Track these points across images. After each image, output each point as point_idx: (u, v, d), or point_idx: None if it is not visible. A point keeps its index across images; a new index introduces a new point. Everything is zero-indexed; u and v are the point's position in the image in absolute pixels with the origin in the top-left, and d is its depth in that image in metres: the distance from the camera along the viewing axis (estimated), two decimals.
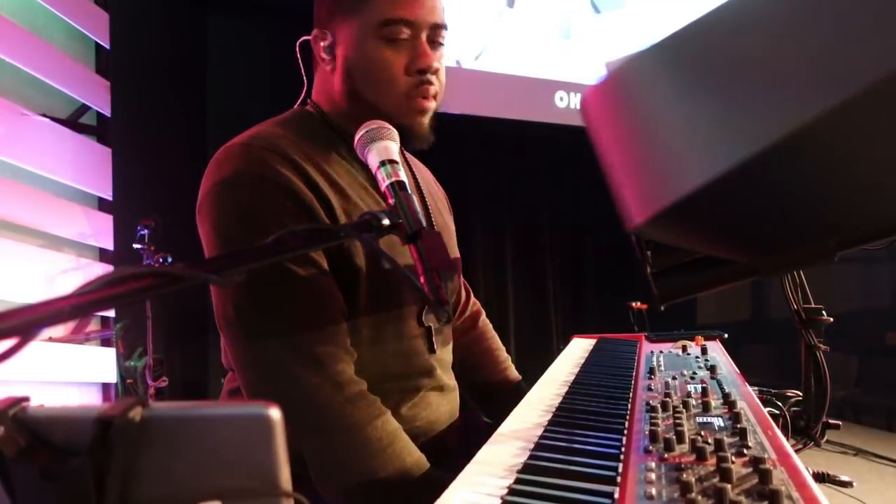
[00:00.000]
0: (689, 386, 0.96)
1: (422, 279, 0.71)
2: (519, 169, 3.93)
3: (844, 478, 1.07)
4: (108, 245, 2.78)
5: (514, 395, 1.17)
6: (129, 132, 2.83)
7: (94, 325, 2.80)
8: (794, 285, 1.11)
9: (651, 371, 1.07)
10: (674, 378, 1.02)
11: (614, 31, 3.76)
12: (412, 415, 1.00)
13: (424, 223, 0.73)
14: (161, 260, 2.38)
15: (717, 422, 0.78)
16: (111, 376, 2.66)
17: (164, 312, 2.65)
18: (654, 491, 0.59)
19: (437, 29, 1.01)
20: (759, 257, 0.62)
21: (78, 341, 2.60)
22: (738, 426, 0.73)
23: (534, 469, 0.68)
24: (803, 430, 1.14)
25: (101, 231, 2.76)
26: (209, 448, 0.36)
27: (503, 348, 1.39)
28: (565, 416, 0.87)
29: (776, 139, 0.38)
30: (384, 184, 0.76)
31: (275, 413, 0.36)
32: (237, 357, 0.90)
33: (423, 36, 0.99)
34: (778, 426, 0.87)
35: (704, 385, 0.94)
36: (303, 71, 1.06)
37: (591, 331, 1.60)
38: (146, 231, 2.43)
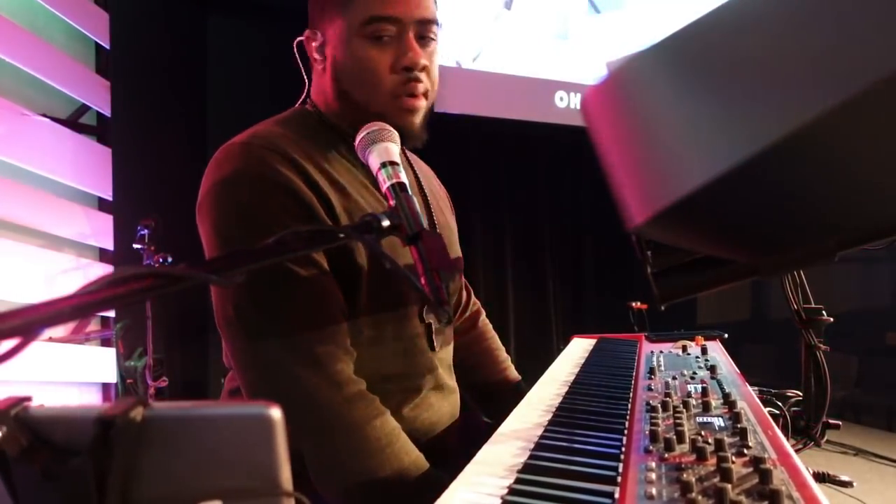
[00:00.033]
0: (689, 386, 0.96)
1: (422, 280, 0.71)
2: (519, 169, 3.93)
3: (844, 478, 1.07)
4: (108, 245, 2.78)
5: (513, 395, 1.17)
6: (129, 132, 2.83)
7: (94, 325, 2.80)
8: (794, 285, 1.11)
9: (651, 371, 1.07)
10: (674, 378, 1.02)
11: (614, 32, 3.76)
12: (413, 415, 1.00)
13: (425, 224, 0.73)
14: (161, 260, 2.38)
15: (718, 422, 0.78)
16: (111, 376, 2.66)
17: (164, 312, 2.65)
18: (654, 491, 0.59)
19: (425, 25, 0.98)
20: (759, 257, 0.62)
21: (78, 341, 2.60)
22: (739, 426, 0.73)
23: (534, 469, 0.68)
24: (803, 430, 1.14)
25: (101, 231, 2.76)
26: (210, 448, 0.36)
27: (503, 348, 1.39)
28: (565, 416, 0.87)
29: (776, 139, 0.38)
30: (385, 185, 0.77)
31: (275, 413, 0.36)
32: (237, 357, 0.90)
33: (411, 33, 0.97)
34: (778, 426, 0.87)
35: (704, 385, 0.94)
36: (302, 70, 1.06)
37: (591, 331, 1.60)
38: (146, 231, 2.43)
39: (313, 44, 1.02)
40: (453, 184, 1.37)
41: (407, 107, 0.98)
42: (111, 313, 2.70)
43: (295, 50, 1.04)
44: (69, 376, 2.58)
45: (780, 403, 1.15)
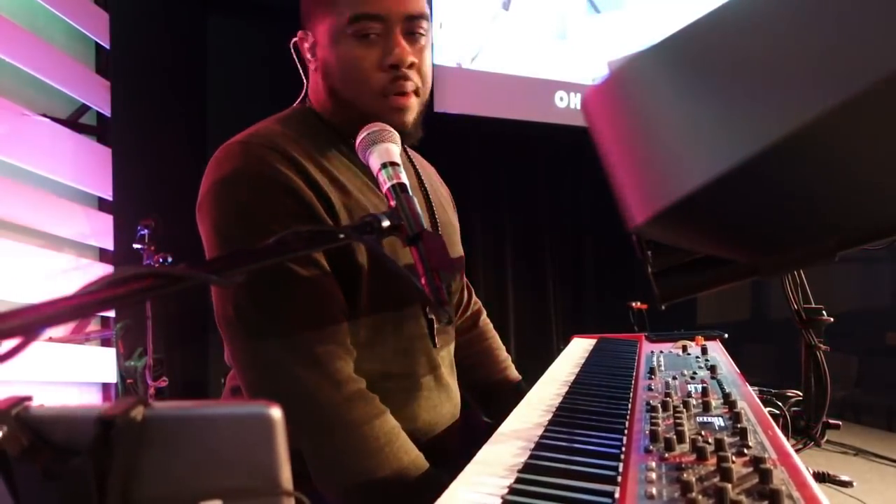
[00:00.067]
0: (689, 386, 0.96)
1: (422, 280, 0.71)
2: (519, 169, 3.93)
3: (844, 478, 1.07)
4: (108, 245, 2.78)
5: (513, 394, 1.17)
6: (129, 132, 2.83)
7: (94, 325, 2.80)
8: (794, 285, 1.11)
9: (651, 371, 1.07)
10: (674, 378, 1.02)
11: (614, 32, 3.76)
12: (413, 415, 1.00)
13: (426, 225, 0.73)
14: (161, 260, 2.38)
15: (718, 422, 0.78)
16: (111, 376, 2.66)
17: (164, 312, 2.65)
18: (654, 490, 0.59)
19: (413, 21, 0.96)
20: (759, 257, 0.62)
21: (78, 341, 2.60)
22: (739, 426, 0.73)
23: (534, 469, 0.68)
24: (803, 429, 1.14)
25: (101, 231, 2.76)
26: (210, 447, 0.36)
27: (503, 348, 1.39)
28: (566, 416, 0.87)
29: (776, 139, 0.38)
30: (386, 186, 0.77)
31: (276, 412, 0.36)
32: (237, 356, 0.91)
33: (397, 30, 0.95)
34: (778, 426, 0.87)
35: (705, 385, 0.94)
36: (300, 70, 1.06)
37: (591, 331, 1.60)
38: (146, 231, 2.43)
39: (305, 45, 1.02)
40: (453, 184, 1.37)
41: (396, 105, 0.97)
42: (111, 313, 2.70)
43: (292, 51, 1.04)
44: (69, 376, 2.58)
45: (780, 403, 1.15)
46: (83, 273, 2.63)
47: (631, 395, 0.95)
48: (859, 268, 3.94)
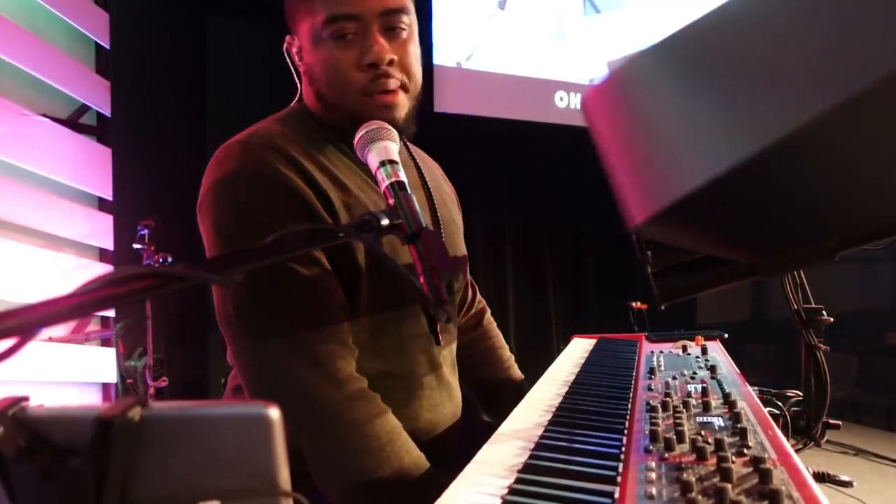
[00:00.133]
0: (689, 386, 0.96)
1: (422, 279, 0.71)
2: (519, 169, 3.93)
3: (844, 478, 1.07)
4: (108, 245, 2.78)
5: (516, 394, 1.17)
6: (129, 132, 2.83)
7: (94, 325, 2.80)
8: (794, 285, 1.11)
9: (651, 371, 1.07)
10: (674, 378, 1.01)
11: (614, 31, 3.76)
12: (414, 414, 1.00)
13: (424, 223, 0.73)
14: (161, 260, 2.38)
15: (718, 422, 0.78)
16: (111, 376, 2.66)
17: (164, 312, 2.65)
18: (654, 491, 0.59)
19: (390, 15, 0.94)
20: (759, 257, 0.62)
21: (78, 341, 2.60)
22: (739, 426, 0.73)
23: (534, 469, 0.68)
24: (803, 430, 1.14)
25: (101, 231, 2.76)
26: (209, 448, 0.36)
27: (507, 347, 1.39)
28: (566, 416, 0.87)
29: (776, 139, 0.38)
30: (384, 184, 0.77)
31: (274, 413, 0.36)
32: (238, 356, 0.91)
33: (374, 27, 0.93)
34: (778, 426, 0.87)
35: (705, 385, 0.93)
36: (294, 74, 1.06)
37: (591, 331, 1.60)
38: (146, 231, 2.44)
39: (293, 49, 1.02)
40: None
41: (381, 103, 0.95)
42: (111, 313, 2.70)
43: (285, 54, 1.04)
44: (69, 376, 2.58)
45: (780, 403, 1.15)
46: (83, 273, 2.63)
47: (631, 395, 0.95)
48: (859, 268, 3.94)
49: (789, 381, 1.21)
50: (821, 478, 1.05)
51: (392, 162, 0.79)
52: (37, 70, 2.47)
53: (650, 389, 0.96)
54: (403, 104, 0.98)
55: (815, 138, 0.38)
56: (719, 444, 0.67)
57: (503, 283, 3.83)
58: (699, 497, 0.55)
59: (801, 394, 1.15)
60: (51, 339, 2.43)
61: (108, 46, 2.80)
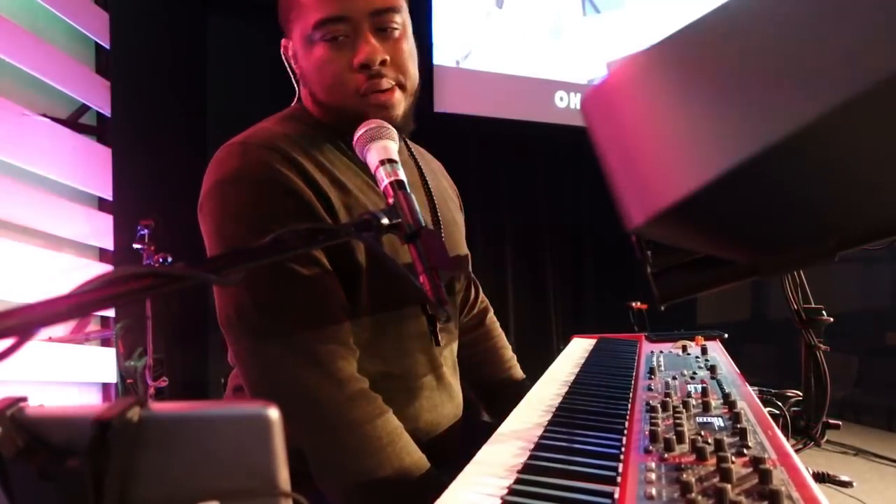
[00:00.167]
0: (689, 386, 0.96)
1: (421, 279, 0.71)
2: (519, 169, 3.93)
3: (844, 478, 1.07)
4: (108, 245, 2.78)
5: (518, 394, 1.17)
6: (129, 132, 2.83)
7: (94, 325, 2.80)
8: (794, 285, 1.11)
9: (651, 371, 1.07)
10: (674, 378, 1.01)
11: (614, 31, 3.76)
12: (415, 415, 1.00)
13: (424, 222, 0.72)
14: (161, 260, 2.38)
15: (717, 422, 0.78)
16: (111, 376, 2.66)
17: (164, 312, 2.65)
18: (654, 491, 0.59)
19: (381, 15, 0.94)
20: (759, 257, 0.62)
21: (78, 341, 2.60)
22: (738, 426, 0.73)
23: (534, 469, 0.68)
24: (803, 430, 1.14)
25: (101, 231, 2.76)
26: (208, 448, 0.36)
27: (509, 347, 1.39)
28: (565, 416, 0.87)
29: (776, 139, 0.38)
30: (383, 183, 0.76)
31: (273, 413, 0.36)
32: (239, 356, 0.91)
33: (365, 28, 0.93)
34: (778, 426, 0.87)
35: (704, 385, 0.93)
36: (292, 77, 1.05)
37: (591, 331, 1.60)
38: (146, 231, 2.44)
39: (289, 53, 1.02)
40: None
41: (377, 103, 0.95)
42: (111, 313, 2.70)
43: (283, 57, 1.04)
44: (69, 376, 2.58)
45: (780, 403, 1.15)
46: (83, 273, 2.63)
47: (631, 395, 0.95)
48: (859, 268, 3.94)
49: (789, 381, 1.21)
50: (821, 478, 1.05)
51: (391, 161, 0.79)
52: (37, 70, 2.47)
53: (650, 389, 0.96)
54: (399, 102, 0.98)
55: (816, 139, 0.38)
56: (719, 445, 0.67)
57: (503, 283, 3.83)
58: (699, 497, 0.55)
59: (801, 394, 1.15)
60: (51, 339, 2.43)
61: (108, 46, 2.80)
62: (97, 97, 2.77)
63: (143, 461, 0.36)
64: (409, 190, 0.76)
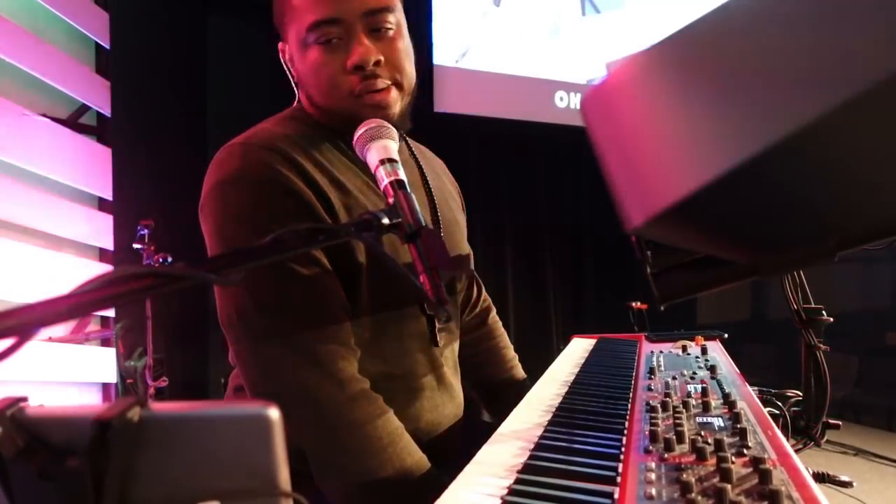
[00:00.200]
0: (689, 386, 0.96)
1: (421, 278, 0.71)
2: (519, 169, 3.93)
3: (844, 478, 1.07)
4: (108, 245, 2.78)
5: (519, 394, 1.17)
6: (129, 132, 2.83)
7: (94, 325, 2.80)
8: (794, 285, 1.11)
9: (651, 371, 1.07)
10: (674, 378, 1.01)
11: (614, 31, 3.76)
12: (416, 415, 1.00)
13: (424, 222, 0.72)
14: (161, 260, 2.38)
15: (717, 422, 0.78)
16: (111, 376, 2.66)
17: (165, 312, 2.65)
18: (654, 491, 0.59)
19: (374, 15, 0.93)
20: (759, 257, 0.62)
21: (78, 341, 2.60)
22: (738, 426, 0.73)
23: (534, 469, 0.68)
24: (803, 430, 1.14)
25: (101, 231, 2.76)
26: (208, 448, 0.36)
27: (511, 347, 1.39)
28: (565, 416, 0.87)
29: (776, 139, 0.38)
30: (383, 183, 0.76)
31: (273, 413, 0.36)
32: (240, 356, 0.91)
33: (358, 29, 0.93)
34: (778, 426, 0.87)
35: (704, 385, 0.93)
36: (290, 79, 1.05)
37: (591, 331, 1.60)
38: (146, 231, 2.44)
39: (286, 56, 1.02)
40: None
41: (372, 104, 0.95)
42: (111, 313, 2.70)
43: (281, 59, 1.04)
44: (69, 376, 2.58)
45: (780, 403, 1.15)
46: (83, 273, 2.63)
47: (630, 395, 0.95)
48: (859, 268, 3.94)
49: (789, 381, 1.21)
50: (821, 478, 1.05)
51: (391, 160, 0.78)
52: (37, 70, 2.47)
53: (650, 389, 0.96)
54: (396, 101, 0.97)
55: (816, 139, 0.38)
56: (719, 445, 0.67)
57: (503, 283, 3.83)
58: (699, 497, 0.55)
59: (800, 394, 1.15)
60: (51, 339, 2.43)
61: (108, 46, 2.80)
62: (97, 97, 2.77)
63: (143, 461, 0.36)
64: (409, 189, 0.76)
